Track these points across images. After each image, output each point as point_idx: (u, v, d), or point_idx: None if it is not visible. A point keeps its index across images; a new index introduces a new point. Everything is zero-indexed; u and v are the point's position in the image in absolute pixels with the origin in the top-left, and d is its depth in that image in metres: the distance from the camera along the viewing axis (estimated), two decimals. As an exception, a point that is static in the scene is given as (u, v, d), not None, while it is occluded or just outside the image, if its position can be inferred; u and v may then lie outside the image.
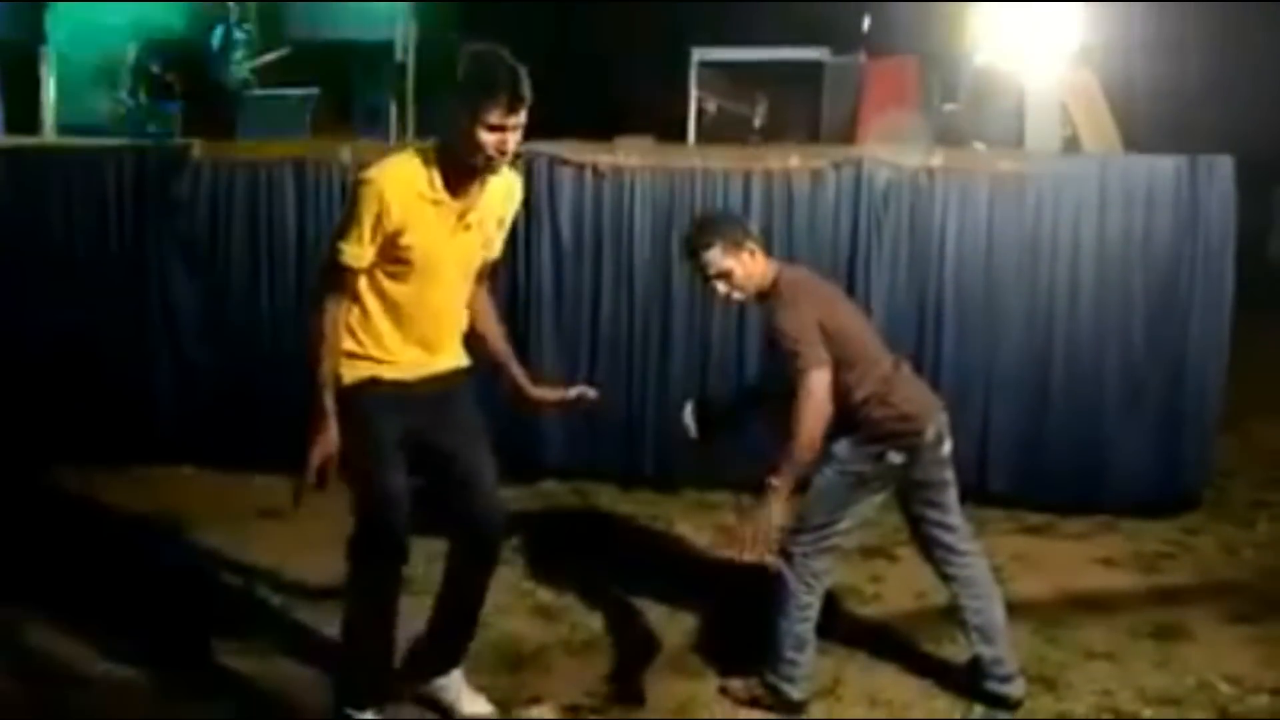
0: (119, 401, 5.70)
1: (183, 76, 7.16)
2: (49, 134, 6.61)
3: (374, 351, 3.05)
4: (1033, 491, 5.27)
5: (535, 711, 3.44)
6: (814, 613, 3.44)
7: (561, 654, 3.79)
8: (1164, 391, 5.22)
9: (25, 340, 5.72)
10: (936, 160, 5.31)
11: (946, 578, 3.54)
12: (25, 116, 6.75)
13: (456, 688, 3.32)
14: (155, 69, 7.17)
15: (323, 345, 2.98)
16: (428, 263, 2.99)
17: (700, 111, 7.39)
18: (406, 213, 2.93)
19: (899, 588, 4.41)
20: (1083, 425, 5.25)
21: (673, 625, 3.99)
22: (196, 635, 3.80)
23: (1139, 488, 5.22)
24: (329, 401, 2.97)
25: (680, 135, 7.04)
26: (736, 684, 3.53)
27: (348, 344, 3.03)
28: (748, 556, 3.23)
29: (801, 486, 3.34)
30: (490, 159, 2.89)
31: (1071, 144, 5.98)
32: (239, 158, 5.66)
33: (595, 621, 4.01)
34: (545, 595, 4.23)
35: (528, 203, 5.37)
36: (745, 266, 3.40)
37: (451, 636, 3.31)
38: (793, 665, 3.43)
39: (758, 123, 7.99)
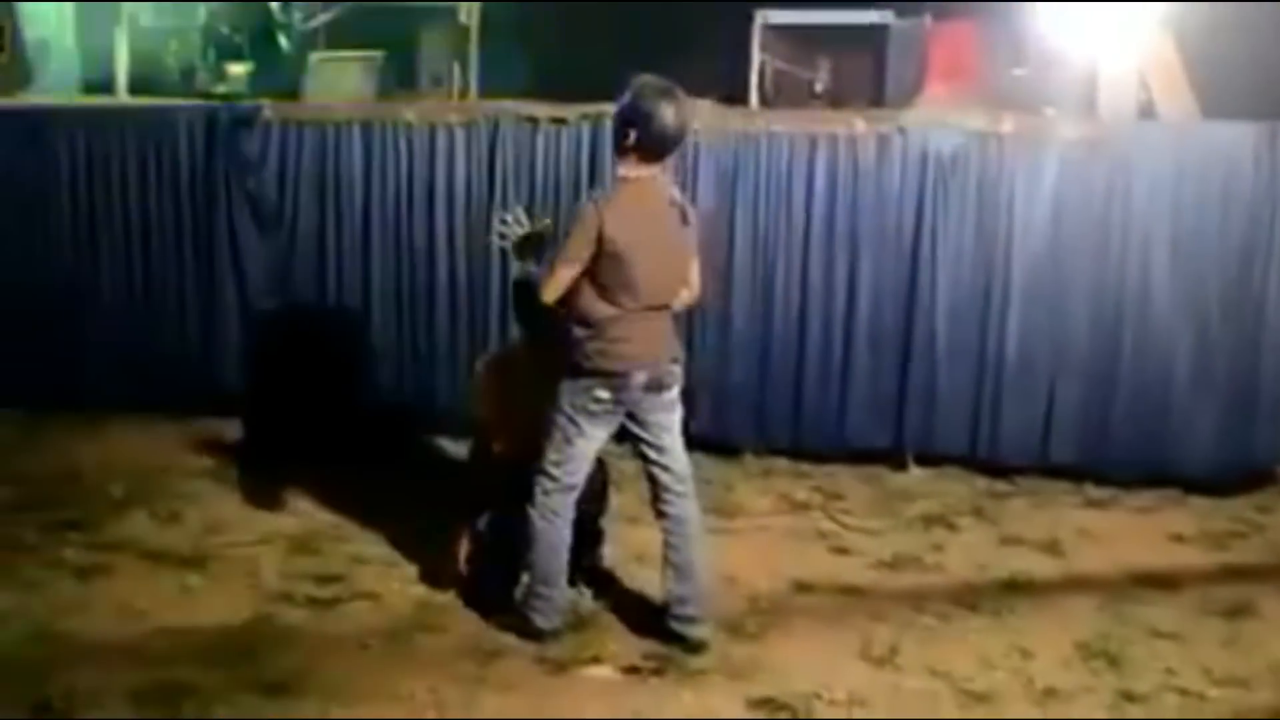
0: (185, 354, 5.84)
1: (251, 38, 7.26)
2: (122, 94, 6.73)
3: None
4: (1098, 464, 5.19)
5: (595, 671, 3.48)
6: (563, 552, 3.60)
7: (620, 615, 3.83)
8: (1238, 365, 5.10)
9: (98, 292, 5.88)
10: (1005, 126, 5.20)
11: (658, 514, 3.63)
12: (100, 77, 6.90)
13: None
14: (224, 30, 7.28)
15: None
16: None
17: (761, 74, 7.33)
18: None
19: (960, 557, 4.39)
20: (1152, 398, 5.15)
21: (732, 590, 4.00)
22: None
23: (1209, 463, 5.12)
24: None
25: (742, 98, 6.98)
26: (501, 619, 3.70)
27: None
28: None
29: None
30: None
31: (1147, 111, 5.85)
32: (308, 117, 5.73)
33: (654, 585, 4.04)
34: (604, 557, 4.26)
35: (592, 165, 5.42)
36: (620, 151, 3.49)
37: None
38: (540, 599, 3.58)
39: (819, 86, 7.90)
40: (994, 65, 6.87)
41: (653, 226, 3.48)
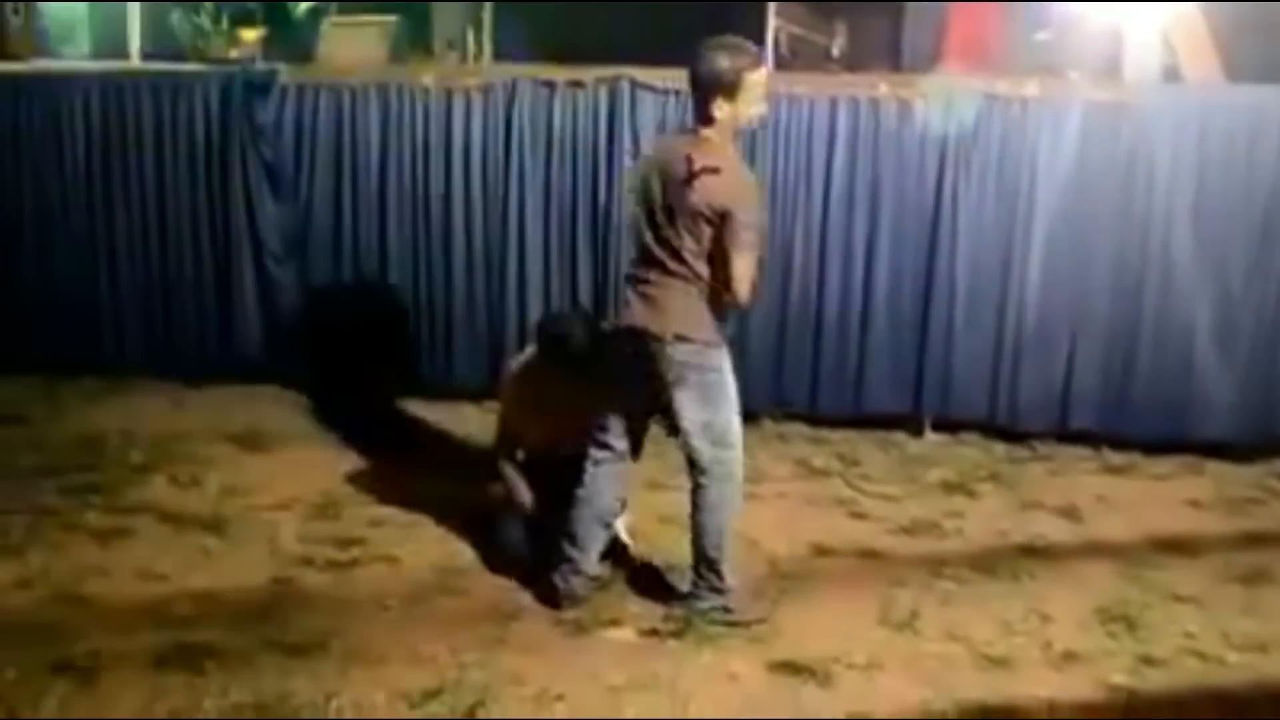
0: (202, 321, 5.86)
1: (264, 3, 7.21)
2: (134, 60, 6.70)
3: None
4: (1117, 431, 5.17)
5: (615, 633, 3.50)
6: (590, 516, 3.59)
7: (640, 579, 3.84)
8: (1259, 331, 5.06)
9: (115, 259, 5.89)
10: (1029, 90, 5.14)
11: (691, 487, 3.57)
12: (111, 43, 6.87)
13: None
14: (237, -6, 7.23)
15: None
16: None
17: (776, 39, 7.25)
18: None
19: (980, 523, 4.39)
20: (1172, 365, 5.12)
21: (753, 554, 4.01)
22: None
23: (1228, 430, 5.09)
24: None
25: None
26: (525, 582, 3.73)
27: None
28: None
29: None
30: None
31: (1172, 74, 5.76)
32: (324, 82, 5.69)
33: (674, 550, 4.04)
34: (625, 521, 4.26)
35: (610, 129, 5.38)
36: None
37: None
38: (567, 561, 3.60)
39: (836, 52, 7.82)
40: (1016, 32, 6.77)
41: (656, 177, 3.38)
